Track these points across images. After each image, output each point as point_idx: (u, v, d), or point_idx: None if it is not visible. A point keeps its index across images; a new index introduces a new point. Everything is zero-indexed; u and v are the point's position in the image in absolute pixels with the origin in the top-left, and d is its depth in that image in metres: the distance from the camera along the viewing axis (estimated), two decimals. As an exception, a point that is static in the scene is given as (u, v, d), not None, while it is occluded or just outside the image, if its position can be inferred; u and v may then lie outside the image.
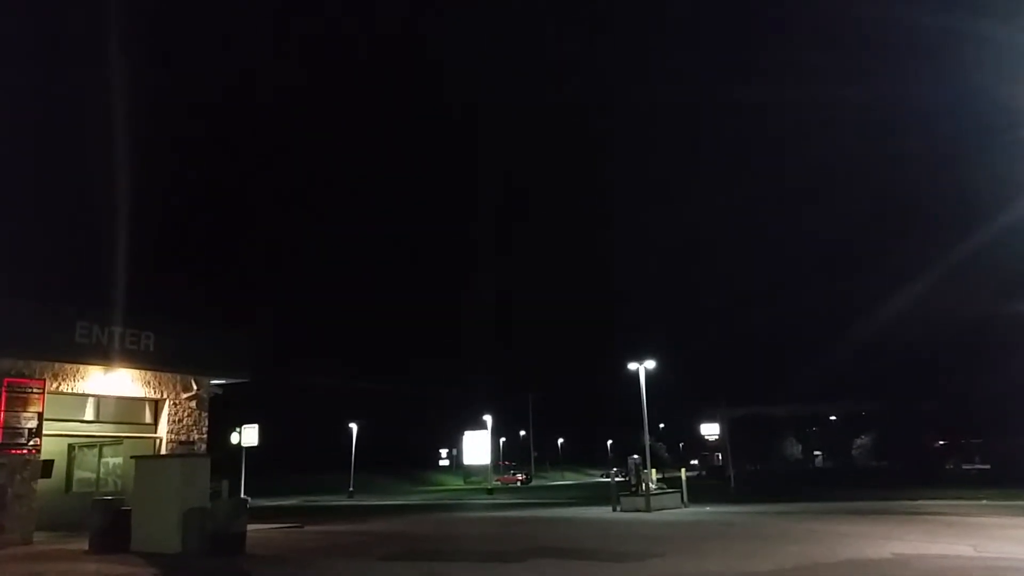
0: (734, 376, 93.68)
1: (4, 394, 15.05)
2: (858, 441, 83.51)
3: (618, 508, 24.16)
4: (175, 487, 13.17)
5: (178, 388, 18.71)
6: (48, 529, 15.93)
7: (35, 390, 15.59)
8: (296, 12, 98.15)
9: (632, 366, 30.79)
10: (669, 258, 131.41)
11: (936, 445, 70.44)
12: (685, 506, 25.36)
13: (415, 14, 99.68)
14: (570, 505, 31.38)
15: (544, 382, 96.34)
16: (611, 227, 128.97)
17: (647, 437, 30.59)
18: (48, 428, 15.86)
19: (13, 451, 15.01)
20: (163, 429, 18.36)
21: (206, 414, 19.29)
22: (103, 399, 17.84)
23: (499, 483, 71.92)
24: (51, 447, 16.71)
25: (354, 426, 61.43)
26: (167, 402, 18.47)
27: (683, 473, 28.73)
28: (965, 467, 63.89)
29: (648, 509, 23.23)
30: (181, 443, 18.44)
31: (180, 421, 18.64)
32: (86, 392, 17.02)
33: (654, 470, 27.89)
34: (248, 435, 41.94)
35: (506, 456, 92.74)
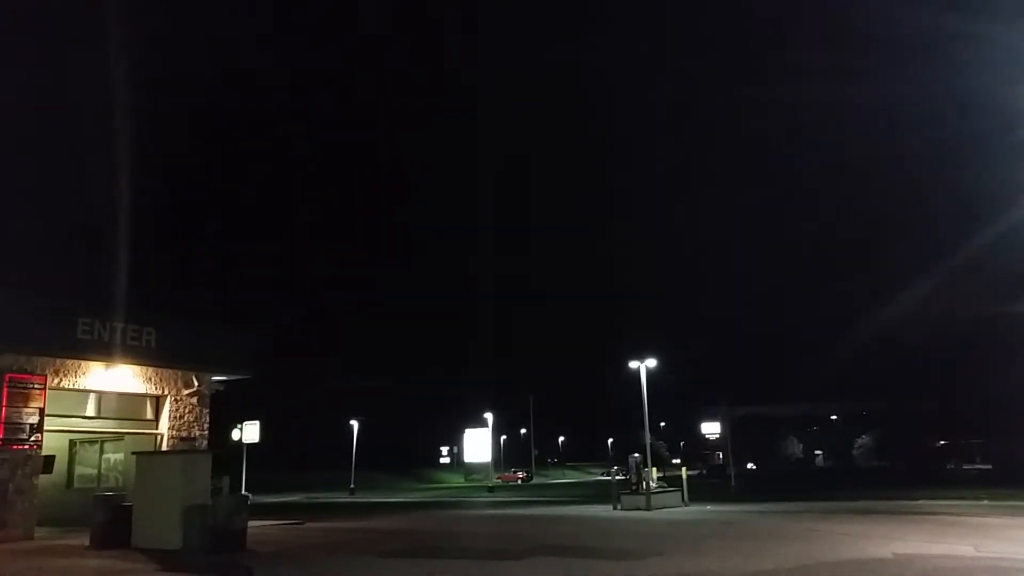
0: (735, 375, 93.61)
1: (6, 390, 15.07)
2: (859, 441, 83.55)
3: (619, 506, 24.15)
4: (176, 483, 13.17)
5: (179, 384, 18.72)
6: (49, 525, 15.94)
7: (36, 386, 15.61)
8: (295, 5, 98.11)
9: (633, 365, 30.79)
10: (671, 257, 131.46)
11: (937, 445, 70.44)
12: (686, 505, 25.33)
13: (416, 14, 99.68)
14: (571, 503, 31.37)
15: (545, 380, 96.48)
16: (613, 226, 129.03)
17: (648, 436, 30.61)
18: (49, 424, 15.88)
19: (14, 447, 15.03)
20: (164, 425, 18.38)
21: (207, 410, 19.31)
22: (104, 395, 17.84)
23: (500, 481, 72.00)
24: (52, 443, 16.72)
25: (355, 423, 61.51)
26: (168, 398, 18.49)
27: (684, 472, 28.70)
28: (966, 467, 63.80)
29: (649, 508, 23.22)
30: (182, 439, 18.46)
31: (181, 417, 18.66)
32: (87, 388, 17.04)
33: (655, 469, 27.87)
34: (249, 432, 42.06)
35: (507, 454, 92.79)
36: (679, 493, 26.07)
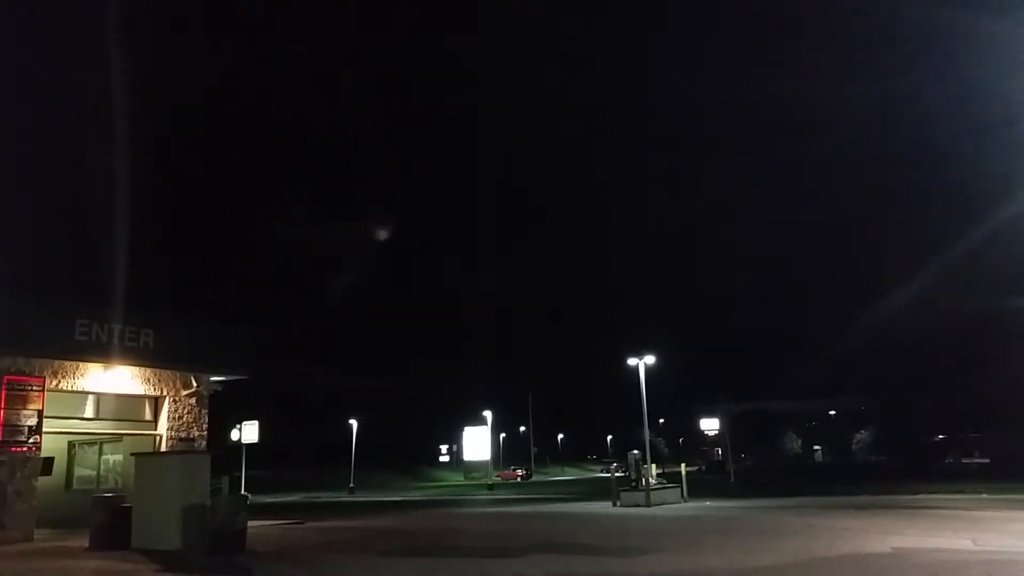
0: (734, 371, 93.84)
1: (4, 391, 15.04)
2: (858, 436, 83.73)
3: (618, 503, 24.19)
4: (175, 484, 13.16)
5: (178, 385, 18.71)
6: (48, 526, 15.91)
7: (35, 387, 15.58)
8: (296, 6, 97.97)
9: (632, 362, 30.85)
10: (669, 255, 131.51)
11: (935, 440, 70.64)
12: (685, 501, 25.38)
13: (415, 15, 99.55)
14: (570, 500, 31.40)
15: (544, 378, 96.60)
16: (611, 223, 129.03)
17: (647, 432, 30.67)
18: (48, 425, 15.84)
19: (13, 448, 15.00)
20: (163, 426, 18.35)
21: (206, 411, 19.29)
22: (103, 396, 17.82)
23: (499, 479, 72.09)
24: (51, 444, 16.69)
25: (354, 423, 61.53)
26: (167, 399, 18.46)
27: (683, 468, 28.75)
28: (964, 461, 64.00)
29: (648, 504, 23.26)
30: (181, 440, 18.44)
31: (180, 418, 18.64)
32: (86, 389, 17.01)
33: (654, 465, 27.92)
34: (248, 432, 42.05)
35: (506, 452, 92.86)
36: (678, 489, 26.11)
